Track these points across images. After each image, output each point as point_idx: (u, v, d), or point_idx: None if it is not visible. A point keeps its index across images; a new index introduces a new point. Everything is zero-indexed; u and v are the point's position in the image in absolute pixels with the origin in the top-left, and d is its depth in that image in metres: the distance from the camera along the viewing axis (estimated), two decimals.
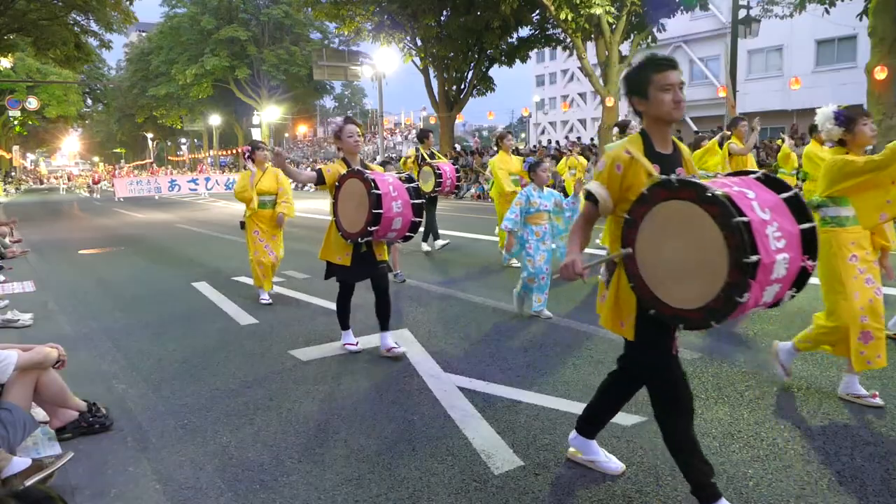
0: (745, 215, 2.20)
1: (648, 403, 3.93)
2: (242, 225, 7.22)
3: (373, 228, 4.50)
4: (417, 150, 10.51)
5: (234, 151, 59.34)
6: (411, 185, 4.81)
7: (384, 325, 4.99)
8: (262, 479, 3.18)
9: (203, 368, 4.90)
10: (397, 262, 8.03)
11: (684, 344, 5.18)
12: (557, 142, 36.20)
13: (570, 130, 54.46)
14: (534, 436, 3.56)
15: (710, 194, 2.24)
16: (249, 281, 8.36)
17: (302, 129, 72.89)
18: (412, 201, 4.73)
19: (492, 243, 10.82)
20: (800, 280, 2.41)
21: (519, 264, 7.84)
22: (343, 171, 4.79)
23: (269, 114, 49.94)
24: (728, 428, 3.61)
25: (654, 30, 23.99)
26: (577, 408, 3.91)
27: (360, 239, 4.62)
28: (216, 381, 4.62)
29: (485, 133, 73.46)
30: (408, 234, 4.82)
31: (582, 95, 53.70)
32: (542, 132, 58.86)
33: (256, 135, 51.51)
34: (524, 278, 6.13)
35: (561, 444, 3.43)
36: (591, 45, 23.96)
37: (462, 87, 33.49)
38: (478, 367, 4.73)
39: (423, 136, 10.87)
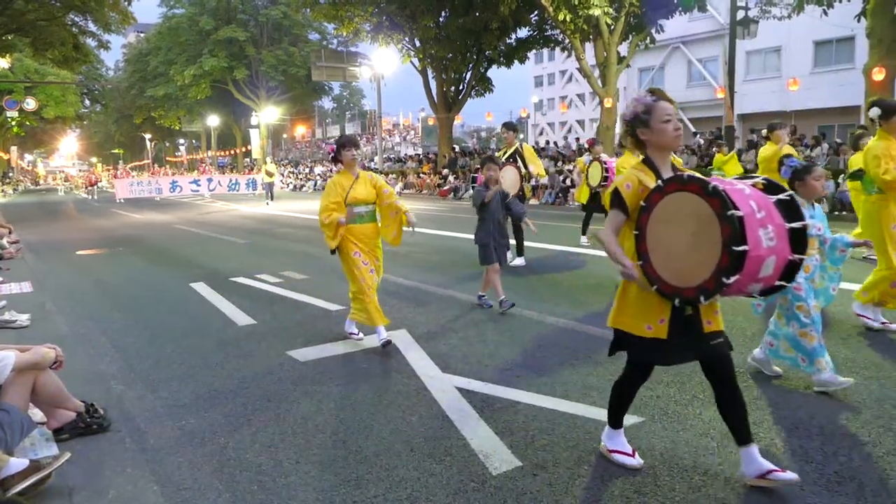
0: (738, 210, 2.49)
1: (644, 405, 3.95)
2: (335, 251, 5.39)
3: (730, 279, 2.51)
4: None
5: (233, 152, 59.40)
6: (782, 195, 2.72)
7: (743, 438, 2.97)
8: (261, 480, 3.18)
9: (201, 369, 4.89)
10: (499, 286, 6.50)
11: None
12: (556, 143, 36.17)
13: (569, 131, 54.52)
14: (532, 436, 3.56)
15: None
16: (248, 282, 8.37)
17: (300, 130, 72.87)
18: (788, 225, 2.63)
19: None
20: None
21: None
22: (648, 180, 2.89)
23: (267, 114, 49.91)
24: (725, 428, 3.59)
25: (653, 31, 24.03)
26: (576, 409, 3.92)
27: (696, 297, 2.67)
28: (214, 382, 4.62)
29: (483, 134, 73.55)
30: (779, 283, 2.69)
31: (580, 96, 53.78)
32: (541, 133, 58.92)
33: (255, 136, 51.44)
34: (793, 335, 4.15)
35: (559, 445, 3.43)
36: (589, 46, 24.01)
37: (460, 87, 33.53)
38: (476, 368, 4.73)
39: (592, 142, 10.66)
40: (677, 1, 21.30)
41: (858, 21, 18.32)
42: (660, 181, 2.81)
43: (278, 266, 9.58)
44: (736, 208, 2.49)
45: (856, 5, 18.38)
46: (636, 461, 3.18)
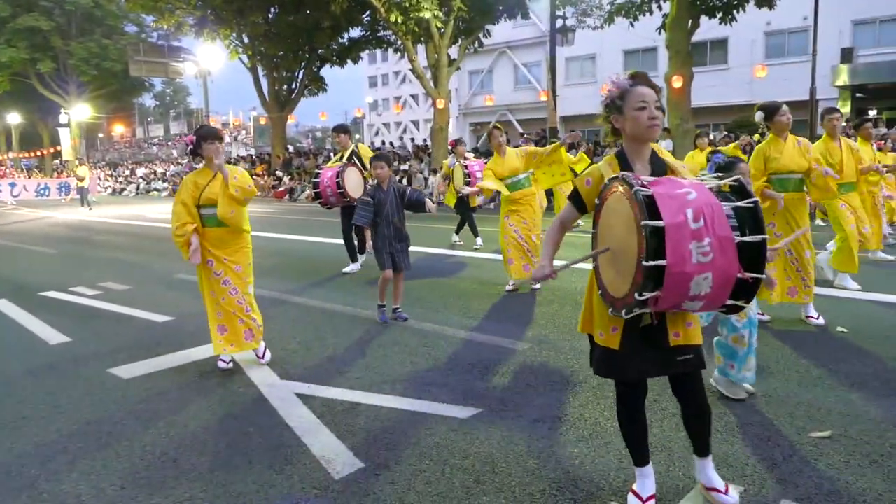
0: (659, 220, 2.21)
1: (482, 396, 4.09)
2: None
3: (644, 296, 2.29)
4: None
5: (40, 153, 53.70)
6: (745, 202, 2.39)
7: (699, 450, 2.78)
8: None
9: (5, 397, 4.38)
10: (397, 293, 6.12)
11: (516, 336, 5.45)
12: (392, 143, 36.49)
13: (404, 132, 55.20)
14: (374, 437, 3.57)
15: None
16: (61, 296, 7.64)
17: (119, 129, 67.48)
18: (739, 239, 2.31)
19: (333, 246, 10.63)
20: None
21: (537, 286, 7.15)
22: (610, 175, 2.60)
23: (78, 112, 45.61)
24: (556, 412, 3.83)
25: (480, 35, 24.94)
26: (417, 405, 3.98)
27: (621, 311, 2.45)
28: (23, 409, 4.16)
29: (318, 134, 72.44)
30: (730, 303, 2.40)
31: (414, 97, 54.62)
32: (377, 133, 59.13)
33: (65, 136, 46.83)
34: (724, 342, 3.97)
35: (400, 443, 3.47)
36: (421, 48, 24.44)
37: (293, 86, 32.78)
38: (316, 373, 4.66)
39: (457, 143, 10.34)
40: (502, 7, 22.30)
41: (659, 34, 20.20)
42: (606, 180, 2.53)
43: (96, 277, 8.81)
44: (655, 218, 2.21)
45: (658, 19, 20.26)
46: None
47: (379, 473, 3.16)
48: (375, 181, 6.00)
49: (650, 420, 3.71)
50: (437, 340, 5.38)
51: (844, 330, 5.30)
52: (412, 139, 40.82)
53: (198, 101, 65.96)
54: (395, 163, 24.83)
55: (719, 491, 2.72)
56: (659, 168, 2.65)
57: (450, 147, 11.21)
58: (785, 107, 5.44)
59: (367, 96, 62.00)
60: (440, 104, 23.70)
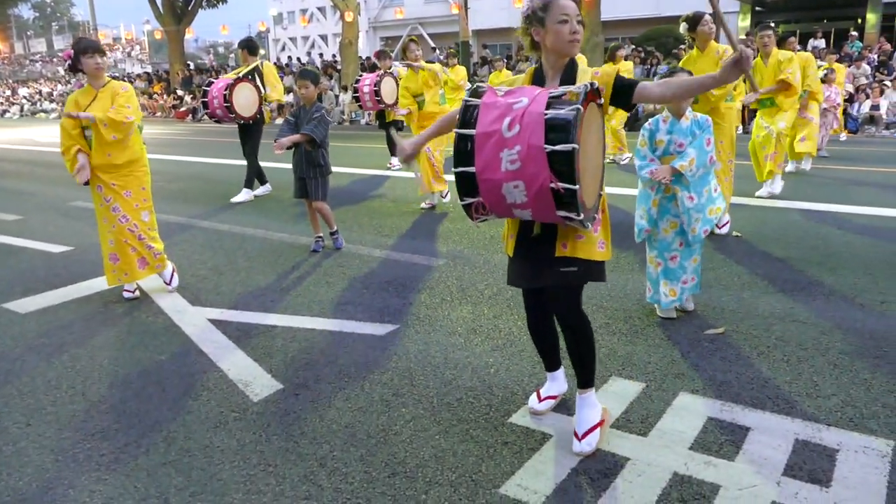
0: (471, 128, 2.28)
1: (398, 312, 4.14)
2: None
3: (465, 201, 2.41)
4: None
5: None
6: (564, 110, 2.24)
7: (580, 382, 2.71)
8: None
9: None
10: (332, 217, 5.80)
11: (431, 252, 5.49)
12: (299, 58, 34.98)
13: (312, 47, 52.90)
14: (291, 358, 3.57)
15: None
16: None
17: None
18: (549, 147, 2.21)
19: (241, 167, 10.23)
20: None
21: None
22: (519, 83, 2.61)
23: None
24: (471, 324, 3.93)
25: None
26: (334, 325, 3.99)
27: (470, 218, 2.49)
28: None
29: (221, 49, 68.46)
30: (562, 214, 2.30)
31: (321, 10, 52.08)
32: (283, 49, 56.41)
33: None
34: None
35: (319, 363, 3.48)
36: None
37: None
38: (229, 297, 4.57)
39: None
40: None
41: None
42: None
43: None
44: (468, 126, 2.29)
45: None
46: (540, 405, 2.88)
47: (298, 393, 3.18)
48: (300, 101, 5.59)
49: None
50: (352, 260, 5.35)
51: (739, 234, 5.64)
52: (321, 55, 39.16)
53: (83, 12, 60.68)
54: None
55: (578, 437, 2.61)
56: (570, 80, 2.54)
57: (373, 58, 10.93)
58: (707, 16, 5.56)
59: (272, 8, 58.65)
60: (348, 17, 22.74)
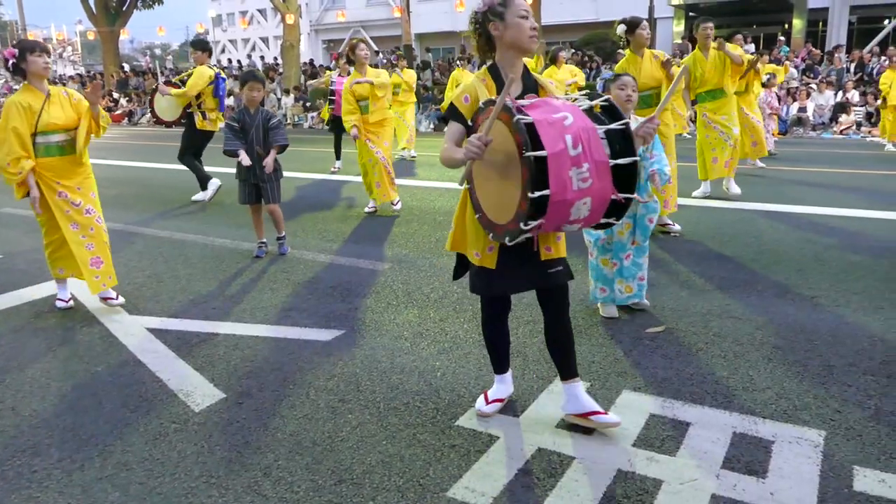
0: (543, 148, 2.18)
1: (343, 317, 4.11)
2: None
3: (529, 226, 2.30)
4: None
5: None
6: (616, 125, 2.36)
7: (567, 373, 2.78)
8: None
9: None
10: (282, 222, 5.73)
11: (376, 257, 5.47)
12: (239, 61, 34.40)
13: (253, 49, 52.08)
14: (234, 366, 3.49)
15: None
16: None
17: None
18: (613, 162, 2.32)
19: (179, 172, 9.97)
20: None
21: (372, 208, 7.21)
22: (486, 93, 2.55)
23: None
24: (417, 328, 3.93)
25: None
26: (278, 331, 3.93)
27: (503, 237, 2.45)
28: None
29: (157, 51, 66.70)
30: (605, 220, 2.48)
31: (262, 12, 51.35)
32: (223, 51, 55.33)
33: None
34: (595, 264, 4.07)
35: (262, 370, 3.42)
36: None
37: None
38: (169, 306, 4.44)
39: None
40: None
41: None
42: (481, 103, 2.43)
43: None
44: (538, 148, 2.18)
45: None
46: (488, 408, 2.89)
47: (241, 402, 3.11)
48: (242, 104, 5.43)
49: (522, 336, 3.91)
50: (297, 265, 5.28)
51: (677, 234, 5.80)
52: (262, 57, 38.59)
53: (11, 11, 58.12)
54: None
55: (600, 412, 2.69)
56: (531, 84, 2.59)
57: (331, 58, 10.84)
58: (645, 22, 5.71)
59: (210, 10, 57.49)
60: (289, 19, 22.48)
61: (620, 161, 2.29)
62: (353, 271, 5.10)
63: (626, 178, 2.33)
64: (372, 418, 2.92)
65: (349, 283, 4.78)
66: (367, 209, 7.20)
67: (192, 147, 8.12)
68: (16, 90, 4.25)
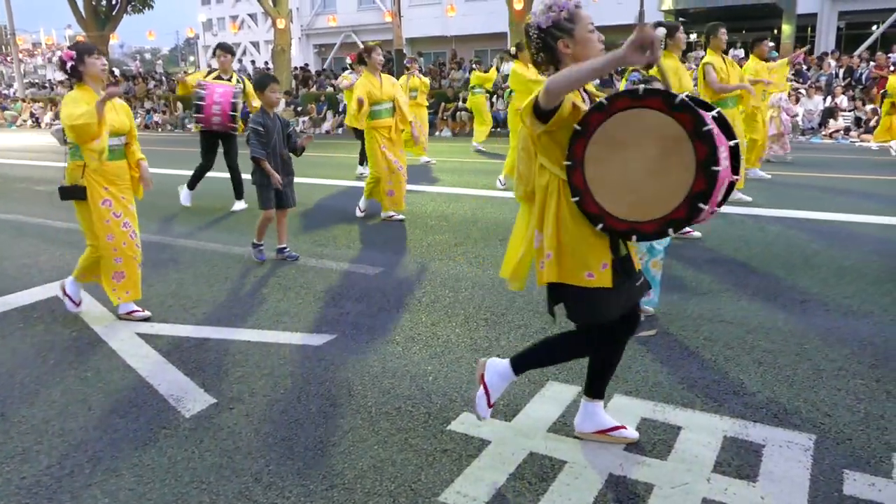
0: (707, 125, 2.14)
1: (335, 322, 4.10)
2: (69, 196, 4.23)
3: (706, 205, 2.19)
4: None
5: None
6: (714, 112, 2.36)
7: (596, 392, 2.70)
8: None
9: None
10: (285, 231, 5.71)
11: (367, 261, 5.46)
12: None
13: (244, 53, 52.02)
14: (225, 371, 3.47)
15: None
16: None
17: None
18: (730, 143, 2.33)
19: (170, 177, 9.96)
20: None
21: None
22: (577, 99, 2.36)
23: None
24: (409, 332, 3.92)
25: None
26: (269, 336, 3.91)
27: (661, 231, 2.29)
28: None
29: (147, 56, 66.51)
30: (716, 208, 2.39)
31: (252, 16, 51.25)
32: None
33: None
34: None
35: (253, 375, 3.40)
36: None
37: (113, 1, 29.60)
38: (159, 311, 4.42)
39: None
40: None
41: None
42: (604, 99, 2.27)
43: None
44: (707, 123, 2.15)
45: None
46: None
47: (233, 407, 3.10)
48: (263, 108, 5.34)
49: (513, 339, 3.91)
50: (288, 270, 5.27)
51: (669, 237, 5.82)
52: (252, 62, 38.47)
53: (0, 16, 57.86)
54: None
55: (621, 427, 2.67)
56: (588, 93, 2.48)
57: (349, 60, 10.69)
58: (682, 27, 6.02)
59: (200, 14, 57.39)
60: (280, 24, 22.48)
61: (732, 143, 2.30)
62: (344, 276, 5.09)
63: (735, 159, 2.33)
64: (363, 423, 2.91)
65: (340, 288, 4.77)
66: (358, 213, 7.15)
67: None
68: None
